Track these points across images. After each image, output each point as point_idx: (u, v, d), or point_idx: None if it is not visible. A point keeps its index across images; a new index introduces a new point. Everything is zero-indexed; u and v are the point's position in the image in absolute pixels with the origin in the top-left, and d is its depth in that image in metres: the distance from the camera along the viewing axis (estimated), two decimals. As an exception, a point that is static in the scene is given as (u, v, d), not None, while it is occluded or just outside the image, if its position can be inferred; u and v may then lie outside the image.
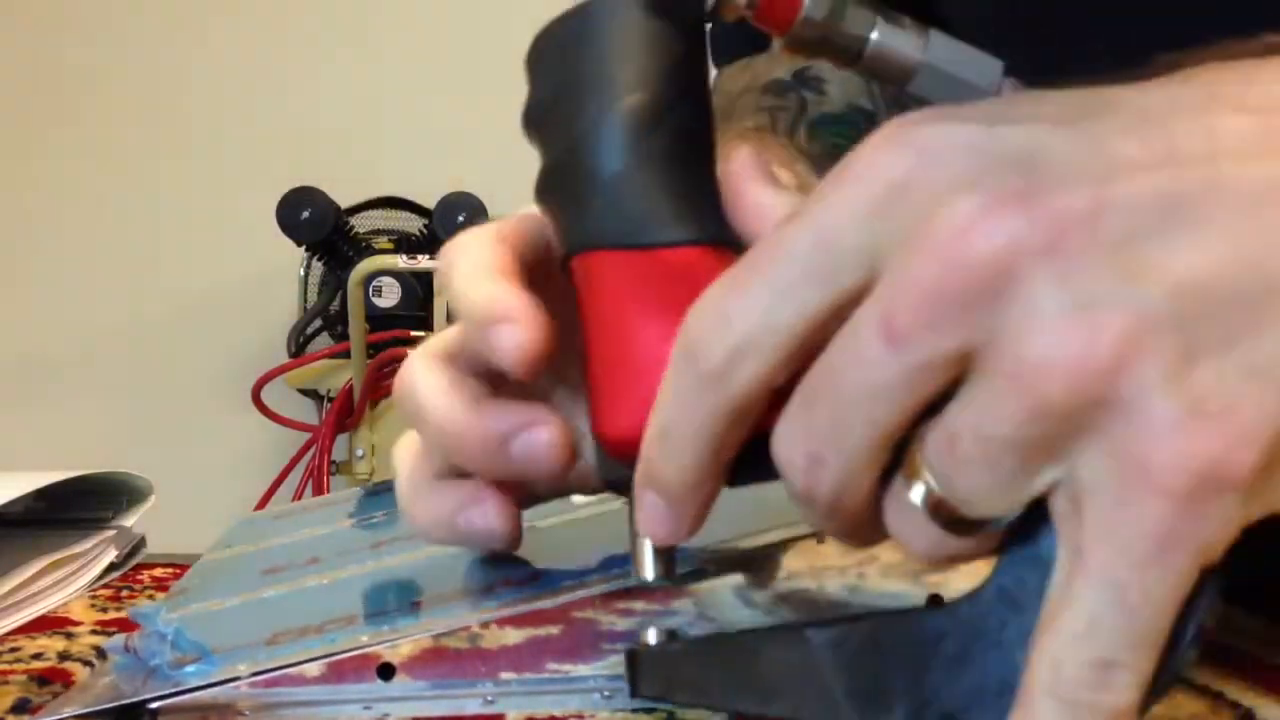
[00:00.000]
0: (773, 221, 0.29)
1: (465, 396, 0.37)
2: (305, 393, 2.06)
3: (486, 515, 0.38)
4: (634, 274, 0.34)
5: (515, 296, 0.35)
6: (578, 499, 0.46)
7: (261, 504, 1.97)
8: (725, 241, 0.34)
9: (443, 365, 0.38)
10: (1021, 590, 0.27)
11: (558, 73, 0.36)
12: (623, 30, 0.35)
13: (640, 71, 0.35)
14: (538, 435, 0.36)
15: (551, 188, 0.36)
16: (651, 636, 0.33)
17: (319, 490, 1.95)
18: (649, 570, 0.33)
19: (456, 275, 0.37)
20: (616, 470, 0.34)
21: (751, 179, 0.33)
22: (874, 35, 0.35)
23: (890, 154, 0.26)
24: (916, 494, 0.26)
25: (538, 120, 0.37)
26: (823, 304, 0.26)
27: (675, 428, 0.29)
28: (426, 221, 2.08)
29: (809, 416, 0.27)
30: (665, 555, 0.33)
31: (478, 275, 0.36)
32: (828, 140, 0.59)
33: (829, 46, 0.36)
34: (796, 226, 0.27)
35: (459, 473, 0.39)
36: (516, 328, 0.34)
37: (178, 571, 0.64)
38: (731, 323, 0.27)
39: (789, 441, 0.27)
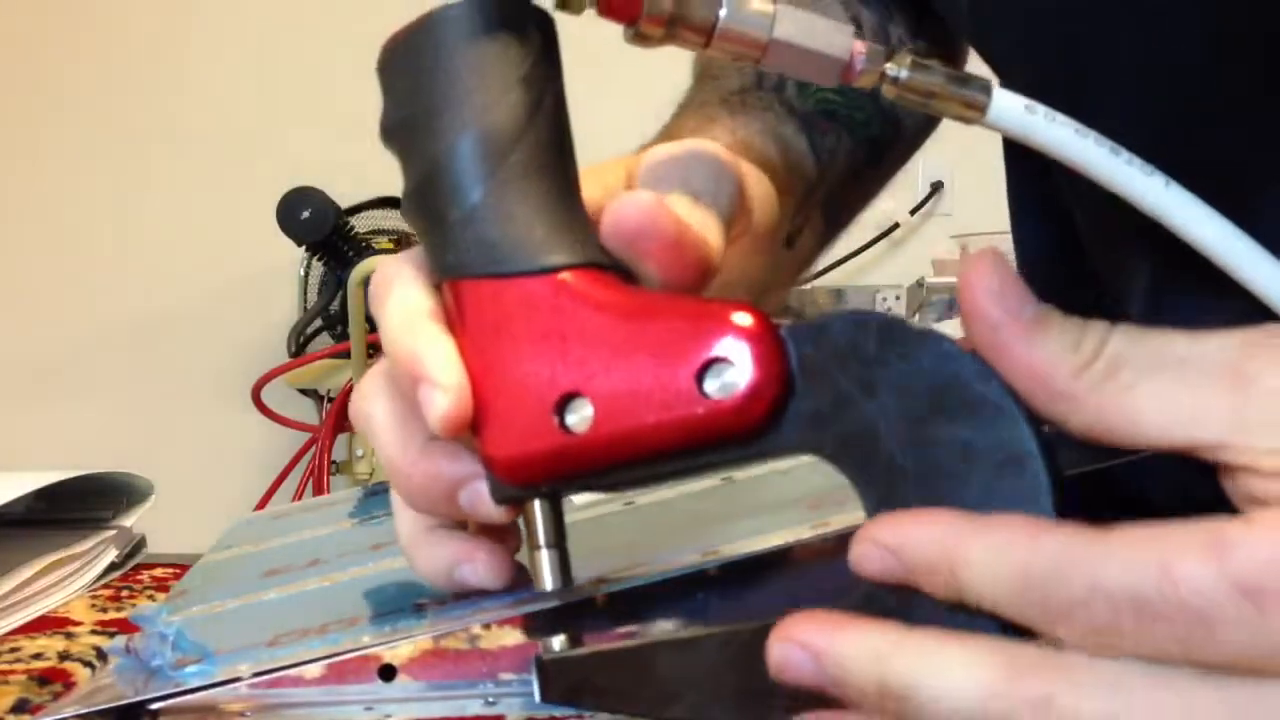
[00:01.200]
0: (1054, 380, 0.27)
1: (416, 433, 0.36)
2: (305, 393, 2.06)
3: (478, 572, 0.37)
4: (501, 304, 0.34)
5: (440, 355, 0.34)
6: (577, 499, 0.46)
7: (261, 504, 1.97)
8: (591, 262, 0.34)
9: (398, 391, 0.37)
10: (899, 599, 0.28)
11: (407, 91, 0.36)
12: (466, 47, 0.35)
13: (488, 92, 0.34)
14: (483, 488, 0.35)
15: (415, 211, 0.36)
16: (556, 644, 0.34)
17: (319, 490, 1.94)
18: (548, 581, 0.35)
19: (384, 316, 0.36)
20: (505, 491, 0.35)
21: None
22: (721, 13, 0.34)
23: None
24: None
25: (394, 137, 0.37)
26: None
27: None
28: (426, 221, 2.08)
29: None
30: (562, 566, 0.35)
31: (404, 321, 0.36)
32: (818, 98, 0.58)
33: (677, 31, 0.34)
34: (1252, 625, 0.23)
35: (455, 521, 0.38)
36: (437, 394, 0.33)
37: (178, 571, 0.64)
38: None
39: None
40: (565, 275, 0.34)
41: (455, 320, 0.35)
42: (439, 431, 0.34)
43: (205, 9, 2.26)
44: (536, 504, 0.35)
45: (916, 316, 1.77)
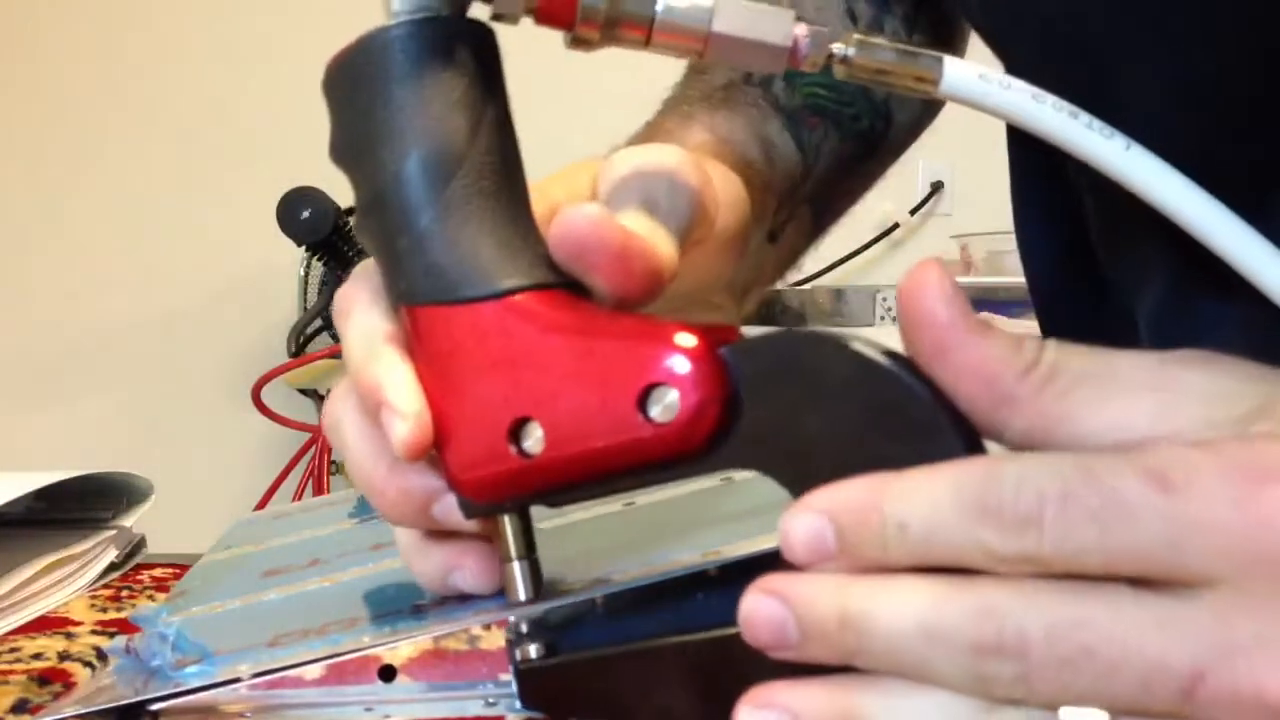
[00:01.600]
0: (1000, 382, 0.28)
1: (386, 450, 0.37)
2: (305, 393, 2.06)
3: (466, 579, 0.38)
4: (453, 330, 0.34)
5: (400, 382, 0.35)
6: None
7: (261, 504, 1.96)
8: (540, 283, 0.34)
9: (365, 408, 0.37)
10: None
11: (348, 116, 0.36)
12: (400, 72, 0.35)
13: (426, 119, 0.34)
14: (454, 500, 0.36)
15: (365, 235, 0.36)
16: (532, 651, 0.35)
17: (319, 490, 1.94)
18: (521, 592, 0.36)
19: (346, 339, 0.37)
20: (473, 508, 0.36)
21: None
22: (658, 10, 0.34)
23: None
24: None
25: (340, 158, 0.37)
26: (1127, 575, 0.26)
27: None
28: (426, 221, 2.08)
29: (1061, 670, 0.26)
30: (534, 576, 0.36)
31: (365, 346, 0.36)
32: (805, 92, 0.58)
33: (615, 32, 0.34)
34: (1163, 511, 0.25)
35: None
36: (398, 421, 0.35)
37: (178, 572, 0.64)
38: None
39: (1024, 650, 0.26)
40: (513, 299, 0.34)
41: (413, 344, 0.36)
42: (402, 457, 0.35)
43: (206, 9, 2.26)
44: (505, 518, 0.36)
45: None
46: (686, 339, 0.32)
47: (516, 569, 0.36)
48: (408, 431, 0.34)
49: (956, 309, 0.28)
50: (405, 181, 0.34)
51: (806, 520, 0.28)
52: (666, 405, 0.32)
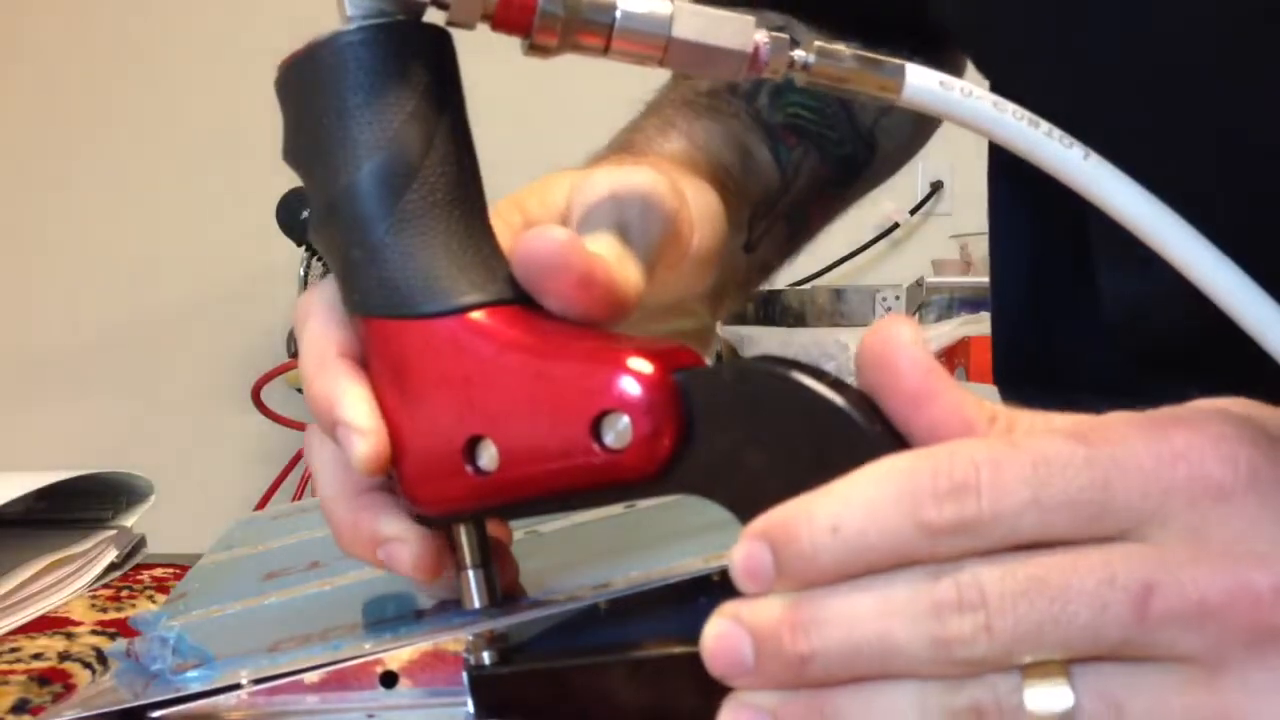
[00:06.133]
0: (977, 427, 0.29)
1: (351, 485, 0.37)
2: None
3: (404, 560, 0.36)
4: (407, 345, 0.34)
5: (355, 397, 0.35)
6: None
7: (262, 504, 1.96)
8: (495, 299, 0.34)
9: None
10: None
11: (302, 119, 0.35)
12: (351, 81, 0.34)
13: (381, 127, 0.34)
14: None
15: (320, 244, 0.36)
16: (486, 657, 0.36)
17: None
18: (475, 600, 0.36)
19: (301, 350, 0.37)
20: (428, 519, 0.36)
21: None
22: (617, 14, 0.34)
23: (1224, 453, 0.27)
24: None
25: (293, 162, 0.36)
26: (1064, 536, 0.27)
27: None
28: (426, 221, 2.07)
29: (1017, 604, 0.27)
30: (488, 585, 0.36)
31: (318, 360, 0.36)
32: (789, 110, 0.58)
33: (573, 36, 0.34)
34: (1087, 458, 0.27)
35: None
36: (355, 438, 0.34)
37: (178, 572, 0.64)
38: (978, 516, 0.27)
39: (981, 605, 0.27)
40: (468, 316, 0.33)
41: (368, 354, 0.35)
42: (360, 472, 0.35)
43: (207, 8, 2.26)
44: (460, 527, 0.36)
45: (917, 316, 1.77)
46: (641, 365, 0.31)
47: (471, 577, 0.36)
48: (366, 448, 0.34)
49: (933, 360, 0.29)
50: (358, 194, 0.34)
51: (744, 547, 0.28)
52: (619, 432, 0.31)
